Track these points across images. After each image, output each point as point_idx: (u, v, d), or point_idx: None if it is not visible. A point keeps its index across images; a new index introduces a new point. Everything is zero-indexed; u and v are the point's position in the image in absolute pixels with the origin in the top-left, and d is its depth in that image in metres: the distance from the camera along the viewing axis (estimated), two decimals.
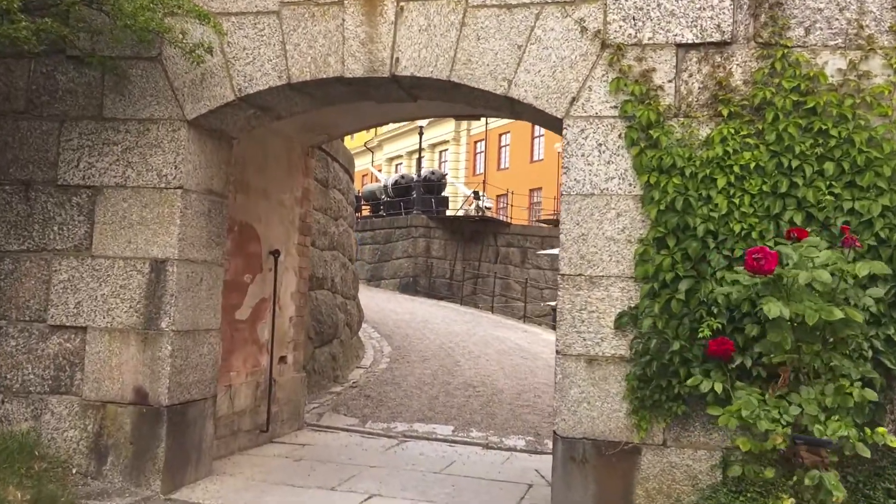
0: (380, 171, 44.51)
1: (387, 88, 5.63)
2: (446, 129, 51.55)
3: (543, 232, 26.66)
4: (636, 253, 4.82)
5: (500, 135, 48.33)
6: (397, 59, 5.33)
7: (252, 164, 7.19)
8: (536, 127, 44.56)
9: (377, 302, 20.65)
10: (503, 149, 48.47)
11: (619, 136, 4.95)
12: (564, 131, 5.06)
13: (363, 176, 44.45)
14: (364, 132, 61.92)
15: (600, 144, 4.98)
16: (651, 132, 4.82)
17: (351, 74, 5.39)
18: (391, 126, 58.09)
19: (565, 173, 5.04)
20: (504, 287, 24.89)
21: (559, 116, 5.08)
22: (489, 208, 27.70)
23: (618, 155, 4.94)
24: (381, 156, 59.78)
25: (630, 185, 4.91)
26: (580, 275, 4.94)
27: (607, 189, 4.94)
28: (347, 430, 8.33)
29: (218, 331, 6.10)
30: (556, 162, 39.51)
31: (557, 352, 4.97)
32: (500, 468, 6.90)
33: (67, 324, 5.64)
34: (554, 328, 19.46)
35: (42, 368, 5.66)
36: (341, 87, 5.63)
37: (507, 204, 29.04)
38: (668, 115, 4.87)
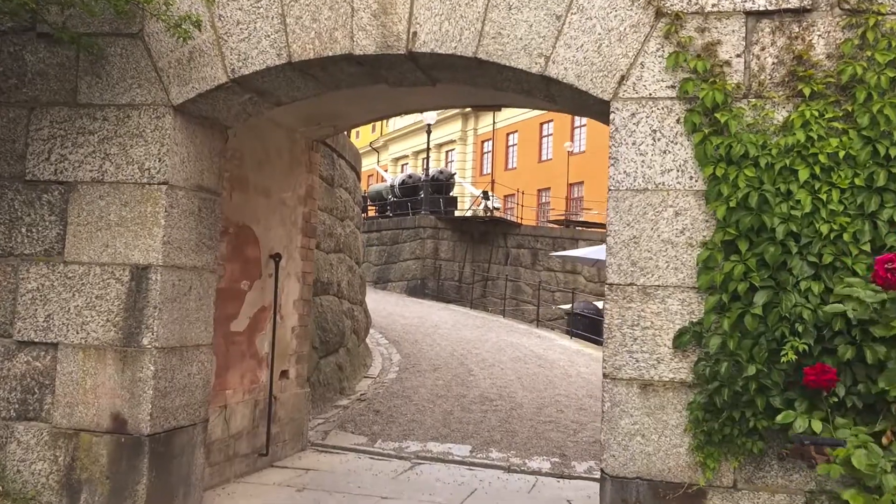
0: (385, 171, 43.79)
1: (402, 69, 4.89)
2: (453, 128, 50.88)
3: (555, 233, 25.89)
4: (699, 259, 4.07)
5: (508, 134, 47.62)
6: (415, 33, 4.58)
7: (250, 158, 6.46)
8: (545, 126, 43.88)
9: (384, 305, 19.92)
10: (511, 148, 47.74)
11: (678, 120, 4.20)
12: (612, 116, 4.31)
13: (368, 176, 43.75)
14: (370, 132, 61.41)
15: (655, 131, 4.23)
16: (717, 115, 4.06)
17: (361, 51, 4.65)
18: (397, 125, 57.55)
19: (613, 165, 4.29)
20: (514, 290, 24.13)
21: (605, 98, 4.33)
22: (498, 208, 26.95)
23: (676, 143, 4.19)
24: (386, 156, 59.14)
25: (691, 178, 4.16)
26: (631, 284, 4.19)
27: (663, 183, 4.20)
28: (355, 451, 7.59)
29: (210, 346, 5.37)
30: (564, 162, 38.77)
31: (605, 375, 4.22)
32: (528, 498, 6.16)
33: (36, 339, 4.91)
34: (569, 333, 18.79)
35: (7, 391, 4.94)
36: (350, 68, 4.89)
37: (517, 204, 28.26)
38: (736, 95, 4.12)
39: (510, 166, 46.26)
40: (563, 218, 30.62)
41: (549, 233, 25.86)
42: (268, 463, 6.76)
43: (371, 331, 14.34)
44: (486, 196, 26.17)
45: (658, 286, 4.15)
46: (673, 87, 4.21)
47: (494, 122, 48.56)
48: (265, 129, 6.65)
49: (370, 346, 13.81)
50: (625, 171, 4.26)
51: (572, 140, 40.29)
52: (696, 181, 4.15)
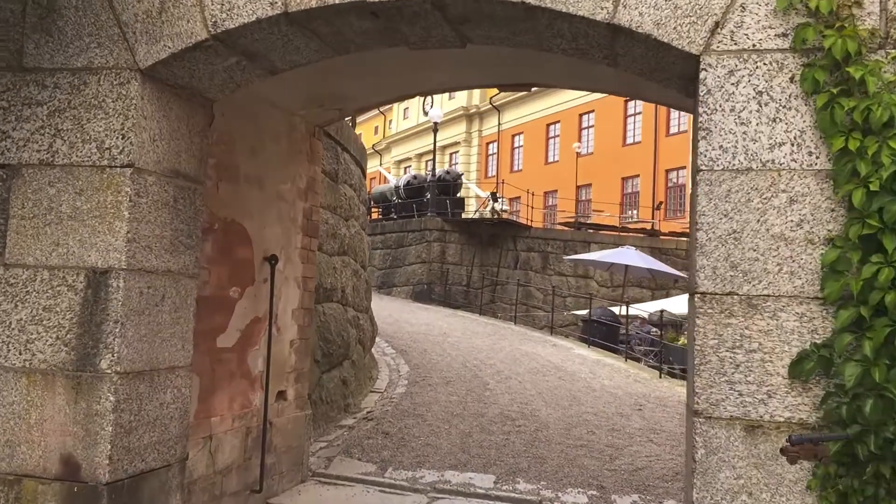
0: (389, 172, 42.85)
1: (426, 21, 3.90)
2: (457, 130, 49.94)
3: (566, 236, 24.88)
4: (824, 260, 3.09)
5: (514, 136, 46.66)
6: None
7: (242, 143, 5.49)
8: (551, 127, 42.90)
9: (390, 312, 18.95)
10: (516, 150, 46.78)
11: (792, 79, 3.21)
12: (702, 75, 3.33)
13: (371, 179, 42.74)
14: (372, 134, 60.45)
15: (761, 93, 3.24)
16: (849, 70, 3.08)
17: None
18: (401, 127, 56.67)
19: (704, 138, 3.30)
20: (525, 295, 23.13)
21: (694, 52, 3.35)
22: (505, 210, 25.97)
23: (789, 108, 3.21)
24: (388, 159, 58.23)
25: (810, 153, 3.18)
26: (731, 294, 3.20)
27: (772, 161, 3.21)
28: (363, 482, 6.60)
29: (188, 368, 4.38)
30: (571, 164, 37.76)
31: (695, 412, 3.23)
32: None
33: None
34: (585, 341, 17.75)
35: None
36: (361, 22, 3.91)
37: (526, 205, 27.26)
38: (871, 44, 3.14)
39: (516, 168, 45.30)
40: (572, 220, 29.60)
41: (560, 236, 24.86)
42: (262, 501, 5.78)
43: (377, 339, 13.36)
44: (494, 198, 25.20)
45: (767, 296, 3.16)
46: (784, 35, 3.23)
47: (500, 124, 47.61)
48: (259, 110, 5.68)
49: (376, 356, 12.83)
50: (721, 147, 3.27)
51: (580, 140, 39.32)
52: (818, 157, 3.16)
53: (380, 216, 28.74)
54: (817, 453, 2.88)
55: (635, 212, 34.58)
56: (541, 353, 14.62)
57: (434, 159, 26.46)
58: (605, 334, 17.26)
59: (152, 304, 4.04)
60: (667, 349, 16.20)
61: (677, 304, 20.95)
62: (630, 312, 18.00)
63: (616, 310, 18.63)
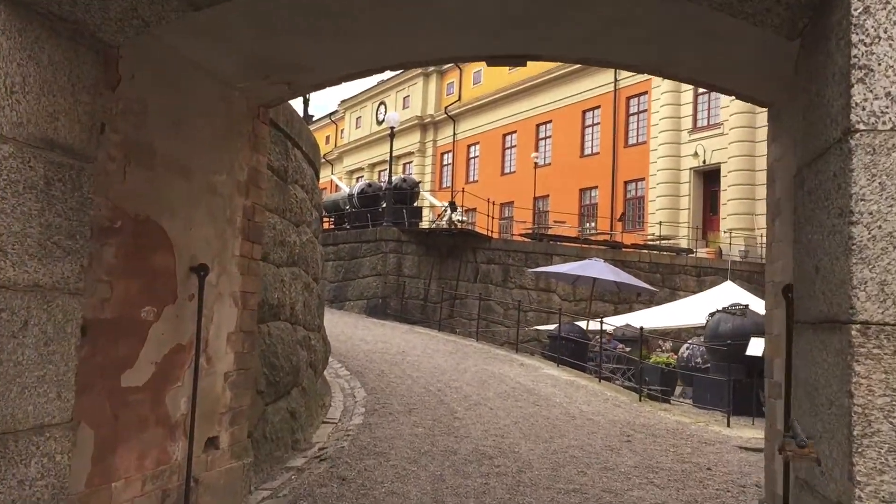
0: (341, 181, 41.44)
1: None
2: (411, 139, 48.83)
3: (528, 248, 23.84)
4: None
5: (469, 146, 45.70)
6: None
7: (159, 116, 4.18)
8: (508, 137, 42.01)
9: (342, 328, 17.61)
10: (472, 160, 45.82)
11: None
12: None
13: (322, 189, 41.14)
14: (323, 143, 58.89)
15: None
16: None
17: None
18: (354, 136, 55.26)
19: (862, 81, 2.15)
20: (485, 309, 21.97)
21: None
22: (463, 221, 24.80)
23: None
24: (340, 168, 56.80)
25: None
26: None
27: None
28: None
29: (67, 426, 3.05)
30: (529, 174, 36.81)
31: None
32: None
33: None
34: (553, 360, 16.58)
35: None
36: None
37: (487, 215, 26.14)
38: None
39: (472, 179, 44.33)
40: (531, 231, 28.62)
41: (522, 247, 23.81)
42: None
43: (329, 359, 12.03)
44: (452, 207, 24.04)
45: None
46: None
47: (455, 134, 46.64)
48: (185, 77, 4.39)
49: (329, 378, 11.50)
50: (889, 94, 2.12)
51: (537, 151, 38.53)
52: None
53: (332, 226, 27.33)
54: None
55: (593, 223, 33.86)
56: (509, 374, 13.44)
57: (390, 167, 25.17)
58: (573, 352, 16.19)
59: (5, 335, 2.71)
60: (640, 367, 15.21)
61: (641, 319, 20.07)
62: (598, 327, 16.99)
63: (583, 324, 17.58)
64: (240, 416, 5.19)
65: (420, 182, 28.12)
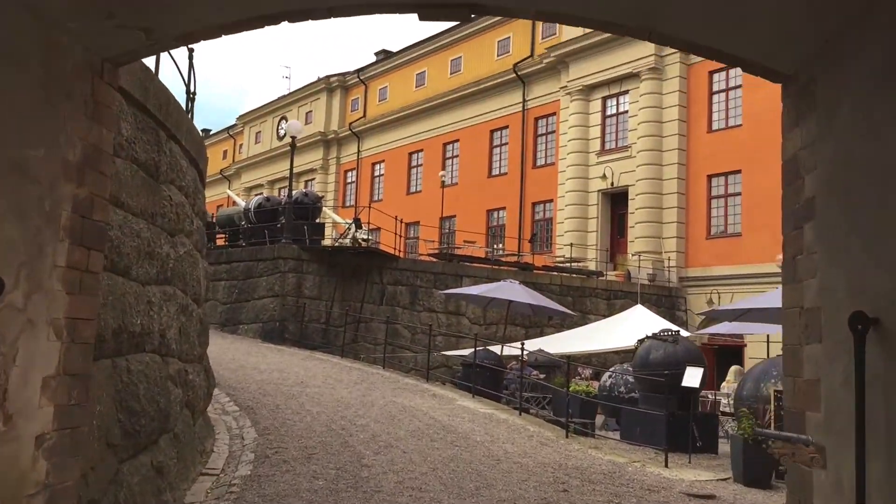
0: (238, 196, 39.17)
1: None
2: (314, 156, 47.07)
3: (437, 268, 22.62)
4: None
5: (374, 164, 44.33)
6: None
7: None
8: (414, 156, 40.90)
9: (234, 355, 15.81)
10: (376, 179, 44.44)
11: None
12: None
13: (217, 206, 38.57)
14: (220, 159, 56.35)
15: None
16: None
17: None
18: (253, 151, 52.85)
19: None
20: (392, 334, 20.54)
21: None
22: (367, 240, 23.35)
23: None
24: (238, 185, 54.25)
25: None
26: None
27: None
28: None
29: None
30: (436, 194, 35.70)
31: None
32: None
33: None
34: (468, 389, 15.28)
35: None
36: None
37: (394, 233, 24.76)
38: None
39: (377, 198, 42.90)
40: (438, 252, 27.45)
41: (431, 268, 22.57)
42: None
43: (215, 392, 10.34)
44: (357, 224, 22.56)
45: None
46: None
47: (360, 151, 45.19)
48: None
49: (213, 416, 9.82)
50: None
51: (444, 170, 37.58)
52: None
53: (226, 243, 25.31)
54: None
55: (501, 245, 33.08)
56: (421, 408, 12.07)
57: (290, 180, 23.45)
58: (487, 380, 14.99)
59: None
60: (557, 397, 14.16)
61: (555, 343, 19.15)
62: (513, 353, 15.89)
63: (497, 349, 16.43)
64: (61, 496, 3.62)
65: (322, 197, 26.50)
